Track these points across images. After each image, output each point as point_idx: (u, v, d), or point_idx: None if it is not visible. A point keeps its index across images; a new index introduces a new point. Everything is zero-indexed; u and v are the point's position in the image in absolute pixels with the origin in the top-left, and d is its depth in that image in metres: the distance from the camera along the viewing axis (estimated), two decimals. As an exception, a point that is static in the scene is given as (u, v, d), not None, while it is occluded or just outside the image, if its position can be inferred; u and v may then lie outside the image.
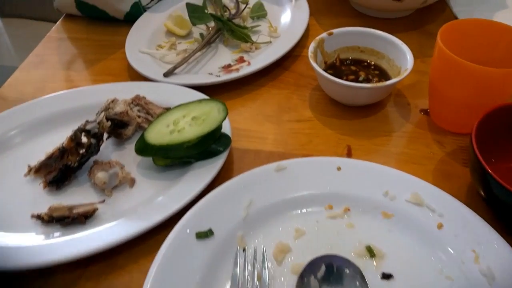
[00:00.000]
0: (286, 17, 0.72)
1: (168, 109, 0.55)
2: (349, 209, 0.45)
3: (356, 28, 0.61)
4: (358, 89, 0.53)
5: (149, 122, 0.53)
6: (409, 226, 0.44)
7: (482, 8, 0.74)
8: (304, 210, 0.45)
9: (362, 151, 0.53)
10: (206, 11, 0.69)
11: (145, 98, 0.55)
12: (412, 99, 0.60)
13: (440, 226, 0.43)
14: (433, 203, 0.44)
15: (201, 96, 0.55)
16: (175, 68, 0.60)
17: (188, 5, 0.64)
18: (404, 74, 0.53)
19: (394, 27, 0.72)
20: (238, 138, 0.55)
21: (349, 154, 0.53)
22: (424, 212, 0.44)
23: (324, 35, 0.60)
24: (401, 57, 0.57)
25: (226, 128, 0.51)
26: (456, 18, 0.73)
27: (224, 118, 0.48)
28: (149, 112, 0.54)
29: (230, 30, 0.66)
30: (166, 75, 0.59)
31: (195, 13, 0.65)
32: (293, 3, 0.73)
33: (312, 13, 0.74)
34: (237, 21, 0.72)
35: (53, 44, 0.71)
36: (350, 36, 0.61)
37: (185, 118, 0.48)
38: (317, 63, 0.57)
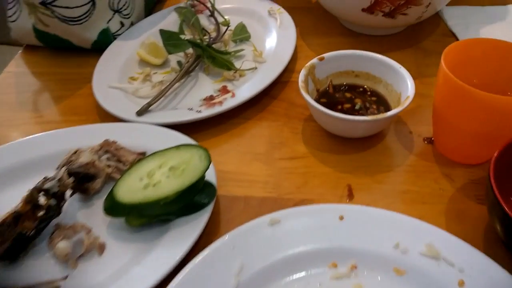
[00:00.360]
0: (271, 39, 0.66)
1: (142, 154, 0.48)
2: (356, 267, 0.39)
3: (349, 51, 0.55)
4: (356, 123, 0.48)
5: (121, 172, 0.46)
6: (426, 285, 0.38)
7: (477, 20, 0.70)
8: (303, 273, 0.39)
9: (364, 191, 0.47)
10: (183, 36, 0.63)
11: (116, 143, 0.48)
12: (414, 126, 0.54)
13: (461, 283, 0.37)
14: (451, 255, 0.38)
15: (180, 136, 0.49)
16: (149, 104, 0.53)
17: (162, 32, 0.58)
18: (405, 103, 0.48)
19: (387, 45, 0.67)
20: (224, 183, 0.48)
21: (350, 196, 0.47)
22: (441, 267, 0.38)
23: (314, 60, 0.54)
24: (400, 82, 0.52)
25: (211, 174, 0.45)
26: (451, 32, 0.69)
27: (207, 167, 0.41)
28: (121, 160, 0.47)
29: (211, 57, 0.60)
30: (139, 113, 0.53)
31: (170, 40, 0.59)
32: (278, 23, 0.67)
33: (299, 33, 0.69)
34: (218, 45, 0.66)
35: (11, 81, 0.64)
36: (343, 60, 0.55)
37: (161, 169, 0.42)
38: (308, 92, 0.52)
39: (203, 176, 0.41)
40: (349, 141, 0.52)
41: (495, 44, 0.47)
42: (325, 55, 0.55)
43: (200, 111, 0.53)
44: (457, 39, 0.67)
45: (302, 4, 0.76)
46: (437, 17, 0.72)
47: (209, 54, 0.60)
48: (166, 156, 0.43)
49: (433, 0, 0.58)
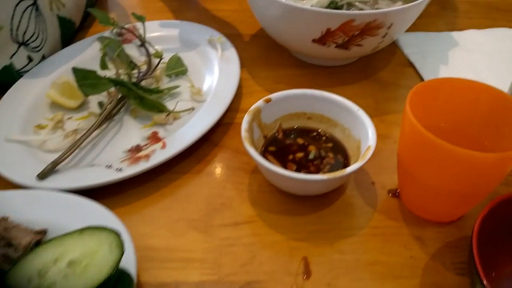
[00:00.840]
0: (211, 73, 0.57)
1: (42, 233, 0.37)
2: None
3: (299, 91, 0.47)
4: (310, 183, 0.40)
5: (10, 260, 0.35)
6: None
7: (434, 48, 0.65)
8: None
9: (323, 265, 0.39)
10: (104, 73, 0.52)
11: (7, 219, 0.37)
12: (376, 175, 0.47)
13: None
14: None
15: (92, 206, 0.39)
16: (55, 164, 0.43)
17: (75, 70, 0.47)
18: (367, 155, 0.40)
19: (342, 77, 0.60)
20: (149, 264, 0.38)
21: (307, 272, 0.38)
22: None
23: (260, 103, 0.46)
24: (358, 127, 0.44)
25: (128, 258, 0.35)
26: (408, 60, 0.63)
27: (119, 261, 0.31)
28: (12, 243, 0.36)
29: (138, 97, 0.50)
30: (41, 177, 0.42)
31: (87, 80, 0.48)
32: (220, 54, 0.59)
33: (244, 64, 0.61)
34: (149, 81, 0.56)
35: None
36: (293, 100, 0.47)
37: (57, 264, 0.31)
38: (254, 142, 0.43)
39: (114, 271, 0.31)
40: (303, 199, 0.44)
41: (464, 85, 0.41)
42: (272, 96, 0.47)
43: (120, 169, 0.43)
44: (415, 69, 0.62)
45: (247, 31, 0.68)
46: (393, 45, 0.66)
47: (136, 94, 0.50)
48: (65, 245, 0.32)
49: (390, 30, 0.52)
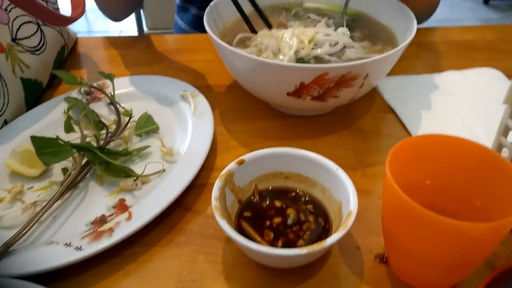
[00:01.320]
0: (184, 130, 0.54)
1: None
2: None
3: (273, 150, 0.45)
4: (287, 258, 0.36)
5: None
6: None
7: (415, 92, 0.64)
8: None
9: None
10: (68, 136, 0.49)
11: None
12: (362, 238, 0.43)
13: None
14: None
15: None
16: (9, 246, 0.39)
17: (33, 139, 0.44)
18: (348, 222, 0.37)
19: (321, 127, 0.58)
20: None
21: None
22: None
23: (232, 166, 0.43)
24: (339, 188, 0.41)
25: None
26: (389, 106, 0.61)
27: None
28: None
29: (104, 163, 0.47)
30: (-10, 263, 0.38)
31: (47, 148, 0.45)
32: (192, 110, 0.56)
33: (219, 117, 0.58)
34: (118, 142, 0.53)
35: None
36: (267, 160, 0.45)
37: None
38: (227, 208, 0.40)
39: None
40: (284, 270, 0.40)
41: (448, 142, 0.39)
42: (245, 157, 0.44)
43: (80, 248, 0.39)
44: (396, 115, 0.60)
45: (222, 82, 0.66)
46: (372, 90, 0.64)
47: (102, 159, 0.47)
48: None
49: (366, 80, 0.50)
